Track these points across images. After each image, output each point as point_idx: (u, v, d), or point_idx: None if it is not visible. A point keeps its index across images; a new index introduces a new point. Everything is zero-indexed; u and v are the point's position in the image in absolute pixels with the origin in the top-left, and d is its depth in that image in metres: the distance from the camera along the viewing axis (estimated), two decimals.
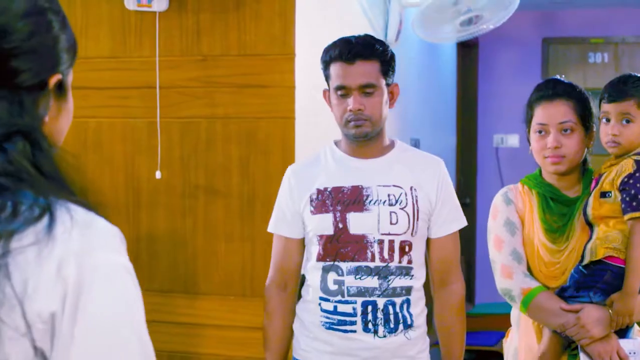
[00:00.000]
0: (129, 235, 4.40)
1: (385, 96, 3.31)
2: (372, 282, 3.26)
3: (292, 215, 3.40)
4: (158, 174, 4.32)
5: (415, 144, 6.64)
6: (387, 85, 3.32)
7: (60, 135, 1.56)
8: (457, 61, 8.82)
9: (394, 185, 3.32)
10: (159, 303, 4.39)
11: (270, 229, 3.49)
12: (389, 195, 3.29)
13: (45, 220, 1.36)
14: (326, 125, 4.46)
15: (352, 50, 3.25)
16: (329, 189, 3.33)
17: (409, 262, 3.30)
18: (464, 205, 8.80)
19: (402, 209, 3.29)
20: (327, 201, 3.32)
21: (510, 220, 3.41)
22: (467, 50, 9.19)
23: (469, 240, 8.65)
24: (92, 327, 1.36)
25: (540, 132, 3.35)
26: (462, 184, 8.99)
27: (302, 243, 3.45)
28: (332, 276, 3.31)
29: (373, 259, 3.27)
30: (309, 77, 4.28)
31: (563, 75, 3.49)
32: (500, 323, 5.63)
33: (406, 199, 3.30)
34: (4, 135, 1.40)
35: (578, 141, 3.31)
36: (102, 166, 4.47)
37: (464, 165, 9.12)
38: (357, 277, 3.27)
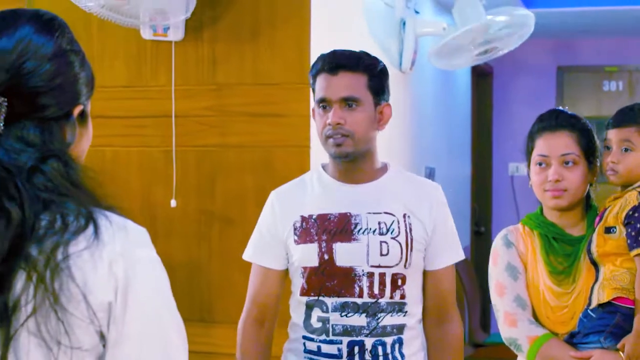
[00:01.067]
0: None
1: (372, 114, 3.02)
2: (359, 320, 2.96)
3: (275, 244, 3.12)
4: (173, 203, 4.32)
5: (431, 172, 6.63)
6: (377, 104, 3.04)
7: (82, 155, 1.85)
8: (472, 89, 8.82)
9: (385, 213, 3.02)
10: None
11: (247, 257, 3.22)
12: (379, 224, 3.00)
13: (91, 227, 1.66)
14: None
15: (335, 60, 3.02)
16: (314, 217, 3.04)
17: (402, 297, 3.01)
18: (479, 234, 8.81)
19: (393, 238, 3.00)
20: (312, 230, 3.02)
21: (512, 264, 3.20)
22: (482, 78, 9.20)
23: (484, 268, 8.62)
24: (139, 311, 1.67)
25: (540, 164, 3.17)
26: (477, 213, 8.97)
27: (283, 275, 3.17)
28: (316, 312, 3.01)
29: (361, 295, 2.96)
30: None
31: (566, 107, 3.40)
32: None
33: (398, 228, 3.01)
34: (39, 159, 1.66)
35: (580, 175, 3.13)
36: (118, 194, 4.47)
37: (479, 194, 9.11)
38: (343, 314, 2.97)
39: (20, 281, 1.60)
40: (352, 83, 2.99)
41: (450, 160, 7.79)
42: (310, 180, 3.17)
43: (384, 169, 3.15)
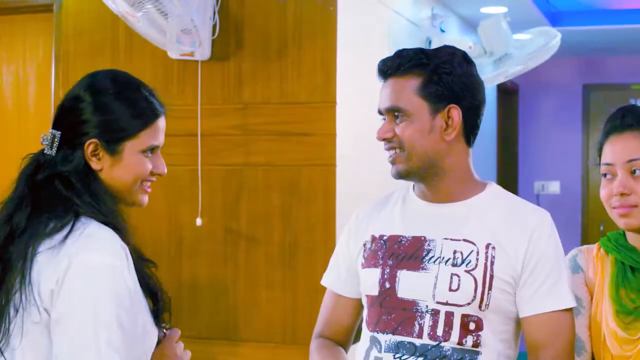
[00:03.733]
0: (170, 282, 4.42)
1: (426, 124, 2.49)
2: None
3: (347, 268, 2.68)
4: (199, 221, 4.33)
5: None
6: (436, 110, 2.49)
7: (116, 181, 2.30)
8: (498, 107, 8.81)
9: (465, 240, 2.48)
10: (200, 350, 4.38)
11: (322, 281, 2.79)
12: (454, 252, 2.47)
13: (65, 231, 2.12)
14: (368, 173, 4.47)
15: (384, 64, 2.57)
16: (384, 237, 2.58)
17: (476, 345, 2.43)
18: None
19: (468, 271, 2.44)
20: (379, 252, 2.56)
21: (575, 295, 2.52)
22: (508, 96, 9.18)
23: None
24: (65, 300, 2.08)
25: (606, 175, 2.52)
26: None
27: (358, 304, 2.69)
28: (373, 352, 2.52)
29: (420, 335, 2.45)
30: (350, 125, 4.29)
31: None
32: None
33: (477, 260, 2.44)
34: (48, 177, 2.23)
35: None
36: (144, 213, 4.49)
37: None
38: (397, 355, 2.47)
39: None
40: (398, 89, 2.52)
41: None
42: (396, 197, 2.68)
43: (480, 188, 2.60)
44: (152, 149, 2.34)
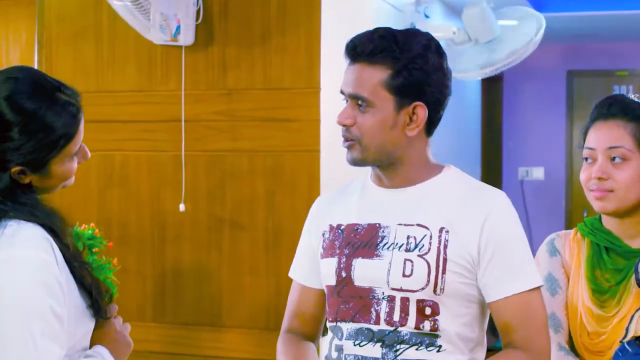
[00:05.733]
0: (154, 268, 4.42)
1: (391, 118, 2.41)
2: (372, 350, 2.42)
3: (310, 258, 2.64)
4: (182, 207, 4.33)
5: None
6: (401, 106, 2.41)
7: (46, 187, 2.28)
8: (482, 94, 8.82)
9: (418, 225, 2.43)
10: (185, 336, 4.39)
11: (289, 273, 2.78)
12: (408, 238, 2.43)
13: None
14: None
15: (354, 44, 2.46)
16: (342, 227, 2.54)
17: (434, 329, 2.40)
18: None
19: (421, 256, 2.40)
20: (336, 242, 2.52)
21: (553, 276, 2.67)
22: (492, 83, 9.19)
23: None
24: None
25: (587, 159, 2.64)
26: None
27: (324, 294, 2.63)
28: (334, 341, 2.51)
29: (377, 321, 2.42)
30: (334, 111, 4.25)
31: (631, 94, 2.75)
32: None
33: (430, 244, 2.40)
34: None
35: (632, 174, 2.57)
36: (128, 199, 4.49)
37: None
38: (357, 342, 2.44)
39: None
40: (364, 77, 2.41)
41: (460, 165, 7.70)
42: (355, 185, 2.63)
43: (437, 171, 2.54)
44: (78, 149, 2.32)
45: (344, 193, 2.64)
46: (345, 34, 4.55)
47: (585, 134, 2.68)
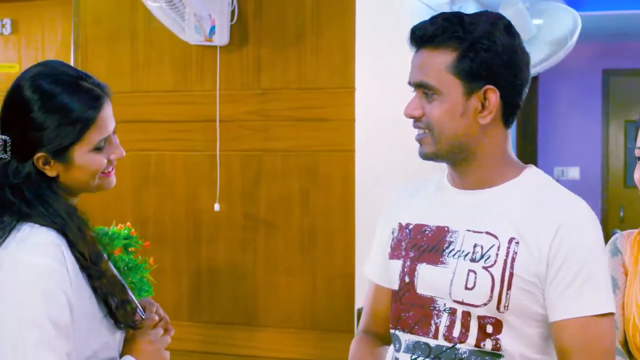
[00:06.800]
0: (189, 267, 4.43)
1: (461, 105, 2.20)
2: None
3: (381, 254, 2.43)
4: (217, 207, 4.34)
5: None
6: (470, 90, 2.20)
7: (74, 181, 2.25)
8: None
9: (487, 233, 2.21)
10: (220, 335, 4.40)
11: (364, 271, 2.57)
12: (474, 246, 2.21)
13: (5, 235, 2.12)
14: (387, 158, 4.46)
15: (419, 30, 2.25)
16: (410, 226, 2.34)
17: (496, 348, 2.18)
18: None
19: (486, 268, 2.18)
20: (402, 242, 2.34)
21: (612, 276, 2.47)
22: None
23: None
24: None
25: (638, 158, 2.49)
26: None
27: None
28: (393, 352, 2.34)
29: (436, 335, 2.22)
30: (369, 110, 4.28)
31: None
32: None
33: (497, 255, 2.17)
34: (1, 185, 2.20)
35: None
36: (163, 198, 4.50)
37: None
38: (413, 357, 2.26)
39: None
40: (429, 64, 2.21)
41: None
42: (430, 181, 2.42)
43: (515, 172, 2.31)
44: (104, 141, 2.27)
45: (418, 189, 2.43)
46: (379, 34, 4.56)
47: (637, 132, 2.51)
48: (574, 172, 9.12)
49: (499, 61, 2.19)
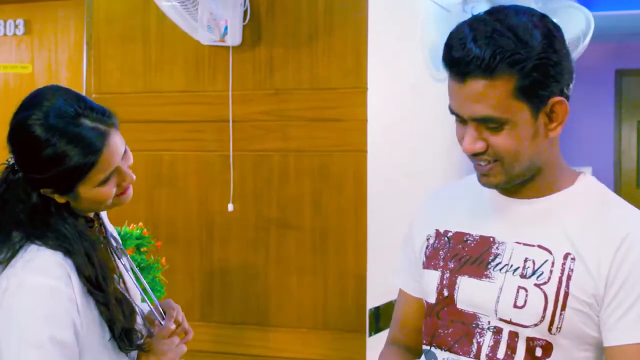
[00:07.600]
0: (201, 267, 4.44)
1: (532, 128, 2.01)
2: None
3: (413, 262, 2.30)
4: (230, 207, 4.34)
5: None
6: (538, 108, 2.00)
7: (85, 207, 2.28)
8: None
9: (539, 247, 2.04)
10: (232, 335, 4.40)
11: (393, 278, 2.44)
12: (525, 261, 2.04)
13: (10, 256, 2.15)
14: (399, 160, 4.47)
15: (461, 60, 1.96)
16: (449, 234, 2.19)
17: None
18: None
19: (538, 285, 2.00)
20: (440, 251, 2.18)
21: None
22: None
23: None
24: (1, 323, 2.09)
25: None
26: None
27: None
28: None
29: (478, 356, 2.06)
30: (381, 111, 4.28)
31: None
32: None
33: (551, 272, 2.00)
34: (13, 200, 2.24)
35: None
36: (176, 199, 4.51)
37: None
38: None
39: None
40: (487, 95, 1.95)
41: None
42: (471, 184, 2.21)
43: (570, 180, 2.14)
44: (111, 173, 2.27)
45: (457, 193, 2.29)
46: (392, 34, 4.56)
47: None
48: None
49: (561, 69, 2.02)
